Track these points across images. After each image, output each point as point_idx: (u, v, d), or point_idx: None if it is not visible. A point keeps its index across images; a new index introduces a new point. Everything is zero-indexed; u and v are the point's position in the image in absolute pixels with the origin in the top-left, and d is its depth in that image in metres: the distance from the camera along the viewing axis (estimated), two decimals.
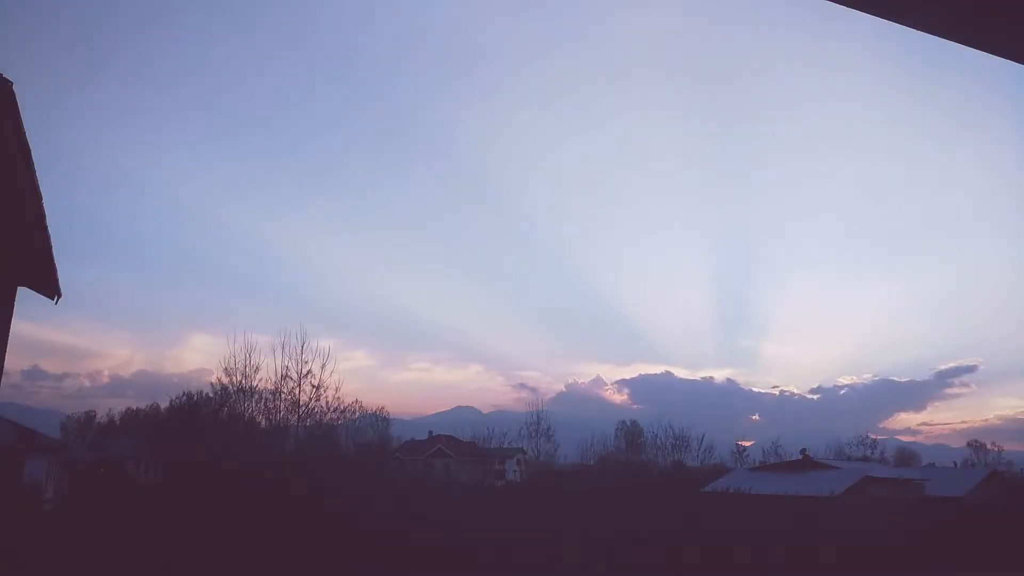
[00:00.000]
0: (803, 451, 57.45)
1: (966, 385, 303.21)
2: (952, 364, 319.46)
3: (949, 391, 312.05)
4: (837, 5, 2.30)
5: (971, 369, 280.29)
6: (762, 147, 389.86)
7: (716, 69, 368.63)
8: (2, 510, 20.92)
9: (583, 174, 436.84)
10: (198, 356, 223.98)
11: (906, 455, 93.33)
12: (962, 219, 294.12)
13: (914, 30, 2.39)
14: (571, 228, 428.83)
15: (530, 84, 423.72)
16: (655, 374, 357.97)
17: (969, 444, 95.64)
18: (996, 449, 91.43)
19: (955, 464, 78.08)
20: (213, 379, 42.96)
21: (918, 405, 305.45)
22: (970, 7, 2.29)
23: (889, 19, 2.35)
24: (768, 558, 18.45)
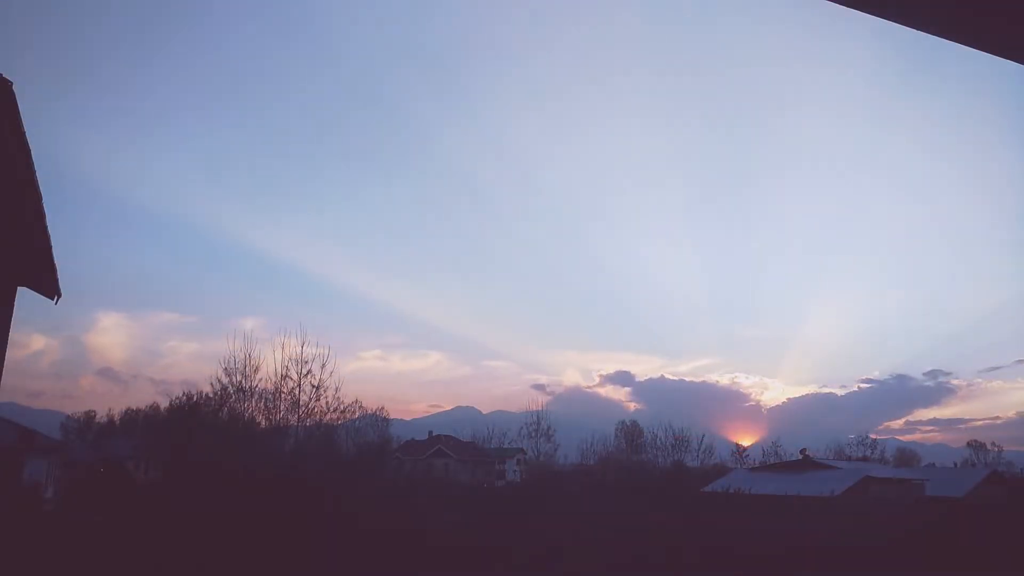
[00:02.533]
0: (803, 451, 57.54)
1: (971, 386, 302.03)
2: (959, 364, 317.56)
3: (954, 391, 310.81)
4: (836, 5, 2.30)
5: (979, 370, 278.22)
6: (762, 143, 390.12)
7: (716, 67, 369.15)
8: (2, 510, 20.93)
9: (582, 168, 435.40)
10: (196, 354, 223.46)
11: (906, 455, 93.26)
12: (964, 219, 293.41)
13: (914, 30, 2.39)
14: (565, 221, 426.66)
15: (510, 74, 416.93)
16: (655, 372, 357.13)
17: (969, 444, 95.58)
18: (996, 449, 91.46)
19: (955, 464, 78.10)
20: (212, 379, 42.94)
21: (921, 406, 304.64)
22: (970, 7, 2.29)
23: (889, 19, 2.35)
24: (768, 558, 18.44)
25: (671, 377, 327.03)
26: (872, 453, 79.97)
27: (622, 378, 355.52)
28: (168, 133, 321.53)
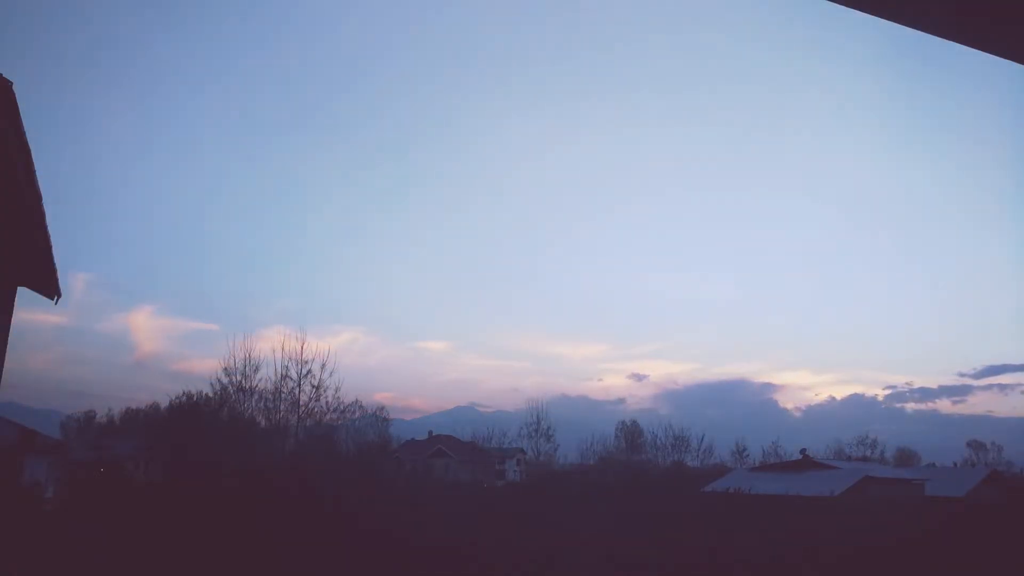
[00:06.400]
0: (803, 451, 57.52)
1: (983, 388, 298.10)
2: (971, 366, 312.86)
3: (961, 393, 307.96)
4: (836, 5, 2.30)
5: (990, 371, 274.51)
6: (765, 143, 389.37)
7: (718, 69, 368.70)
8: (2, 510, 20.93)
9: (582, 165, 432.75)
10: (197, 354, 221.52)
11: (906, 455, 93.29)
12: (964, 220, 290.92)
13: (913, 30, 2.39)
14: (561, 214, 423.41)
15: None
16: (655, 370, 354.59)
17: (969, 444, 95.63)
18: (996, 449, 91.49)
19: (955, 464, 78.14)
20: (213, 379, 43.01)
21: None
22: (970, 7, 2.29)
23: (887, 19, 2.35)
24: (768, 558, 18.46)
25: (675, 374, 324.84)
26: (872, 453, 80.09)
27: (623, 377, 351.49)
28: (172, 135, 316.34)
